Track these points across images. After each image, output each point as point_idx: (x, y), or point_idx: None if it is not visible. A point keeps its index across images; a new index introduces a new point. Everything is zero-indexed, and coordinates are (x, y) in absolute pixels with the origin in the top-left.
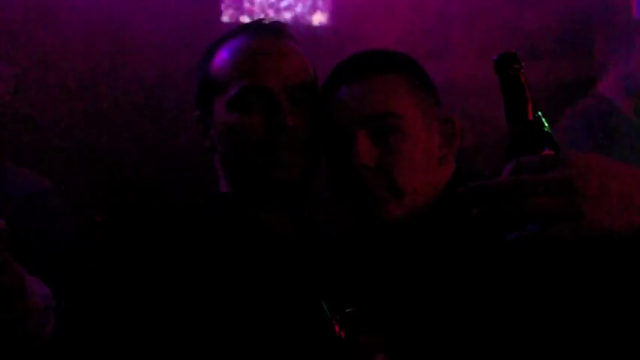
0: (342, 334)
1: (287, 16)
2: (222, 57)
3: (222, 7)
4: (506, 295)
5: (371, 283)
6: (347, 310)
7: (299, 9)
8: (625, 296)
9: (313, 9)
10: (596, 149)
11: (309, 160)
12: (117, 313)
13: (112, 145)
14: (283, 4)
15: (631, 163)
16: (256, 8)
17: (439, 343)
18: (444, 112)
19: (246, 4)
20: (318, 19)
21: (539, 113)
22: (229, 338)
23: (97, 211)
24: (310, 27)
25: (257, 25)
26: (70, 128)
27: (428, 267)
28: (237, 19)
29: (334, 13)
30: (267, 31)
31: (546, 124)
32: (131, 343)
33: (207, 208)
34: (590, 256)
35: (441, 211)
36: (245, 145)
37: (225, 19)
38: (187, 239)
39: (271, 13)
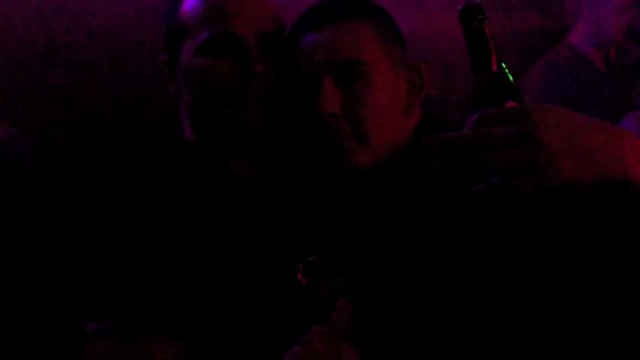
0: (305, 282)
1: None
2: (192, 1)
3: None
4: (467, 244)
5: (335, 231)
6: (310, 259)
7: None
8: (586, 245)
9: None
10: (566, 100)
11: (276, 108)
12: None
13: (78, 84)
14: None
15: (599, 115)
16: None
17: (402, 290)
18: (411, 59)
19: None
20: None
21: (504, 65)
22: (193, 282)
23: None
24: None
25: None
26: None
27: (392, 215)
28: None
29: None
30: None
31: (510, 76)
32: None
33: (172, 155)
34: (552, 209)
35: (407, 160)
36: (212, 92)
37: None
38: (152, 185)
39: None
